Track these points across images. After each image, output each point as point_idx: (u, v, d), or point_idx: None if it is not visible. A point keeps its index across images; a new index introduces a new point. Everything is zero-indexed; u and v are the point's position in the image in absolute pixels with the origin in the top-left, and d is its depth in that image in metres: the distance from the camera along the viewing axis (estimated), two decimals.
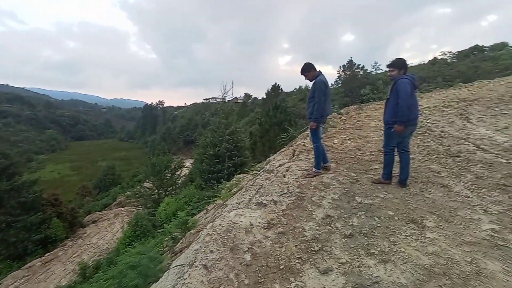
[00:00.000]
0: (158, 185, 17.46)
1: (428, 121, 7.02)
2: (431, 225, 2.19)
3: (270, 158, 6.30)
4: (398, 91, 2.81)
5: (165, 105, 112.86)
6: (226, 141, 13.93)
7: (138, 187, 18.64)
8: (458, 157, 3.84)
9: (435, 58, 41.60)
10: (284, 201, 2.77)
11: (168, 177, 17.61)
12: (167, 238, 5.46)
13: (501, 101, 8.38)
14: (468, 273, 1.71)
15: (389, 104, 3.02)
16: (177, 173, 18.18)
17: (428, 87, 19.96)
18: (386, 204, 2.57)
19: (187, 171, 22.19)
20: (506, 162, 3.60)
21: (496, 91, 10.21)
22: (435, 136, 5.11)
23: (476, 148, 4.21)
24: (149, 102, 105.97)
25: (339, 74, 29.93)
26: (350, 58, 29.22)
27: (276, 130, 15.65)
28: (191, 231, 4.57)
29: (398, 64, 2.96)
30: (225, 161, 13.72)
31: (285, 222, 2.47)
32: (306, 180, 3.30)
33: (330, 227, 2.35)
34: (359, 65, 28.83)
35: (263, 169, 4.31)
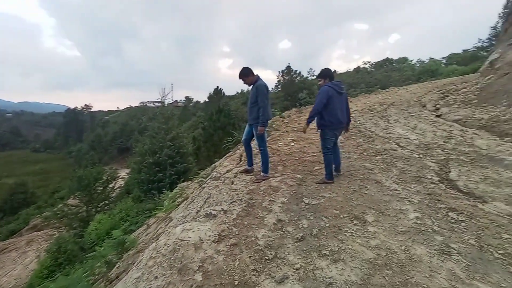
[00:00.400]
0: (86, 201, 15.22)
1: (358, 122, 7.89)
2: (371, 220, 2.39)
3: (216, 163, 6.10)
4: (316, 97, 3.29)
5: (93, 110, 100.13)
6: (167, 147, 13.07)
7: (61, 205, 15.89)
8: (385, 154, 4.37)
9: (358, 67, 47.71)
10: (234, 209, 2.66)
11: (99, 191, 15.52)
12: (99, 263, 4.71)
13: (408, 105, 10.03)
14: (404, 261, 1.89)
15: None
16: (110, 185, 16.19)
17: (355, 92, 22.66)
18: (331, 203, 2.71)
19: (122, 183, 19.98)
20: (418, 157, 4.25)
21: (404, 97, 12.20)
22: (365, 136, 5.75)
23: (397, 146, 4.88)
24: (72, 106, 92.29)
25: (278, 79, 31.47)
26: (288, 64, 31.09)
27: (221, 134, 15.45)
28: (130, 252, 4.03)
29: (323, 74, 3.41)
30: (166, 169, 12.84)
31: (237, 232, 2.35)
32: (255, 185, 3.25)
33: (282, 232, 2.34)
34: (296, 70, 30.90)
35: (209, 177, 4.10)
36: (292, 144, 5.36)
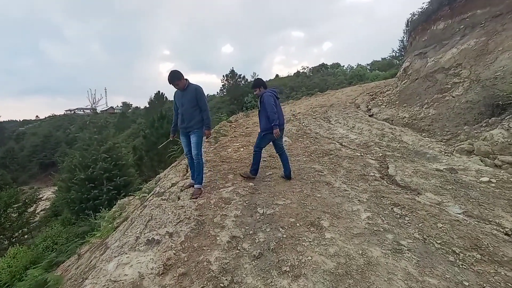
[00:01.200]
0: None
1: (303, 124, 8.21)
2: (327, 225, 2.35)
3: (160, 175, 5.54)
4: (264, 104, 3.38)
5: (1, 120, 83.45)
6: (102, 160, 11.55)
7: None
8: (331, 154, 4.55)
9: (298, 72, 50.77)
10: (182, 230, 2.31)
11: (13, 218, 12.74)
12: None
13: (345, 107, 10.95)
14: (363, 266, 1.87)
15: (261, 115, 3.52)
16: (30, 210, 13.48)
17: (297, 95, 23.92)
18: (287, 211, 2.60)
19: (48, 204, 16.90)
20: (360, 155, 4.55)
21: (341, 98, 13.32)
22: (311, 137, 5.95)
23: (340, 146, 5.15)
24: None
25: (223, 83, 31.26)
26: (232, 68, 31.16)
27: (164, 142, 14.41)
28: None
29: (258, 84, 3.59)
30: (103, 184, 11.33)
31: (185, 258, 2.03)
32: (204, 199, 2.95)
33: (237, 251, 2.11)
34: (240, 75, 31.15)
35: (152, 192, 3.62)
36: (242, 149, 5.19)
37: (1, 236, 12.90)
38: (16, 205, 13.59)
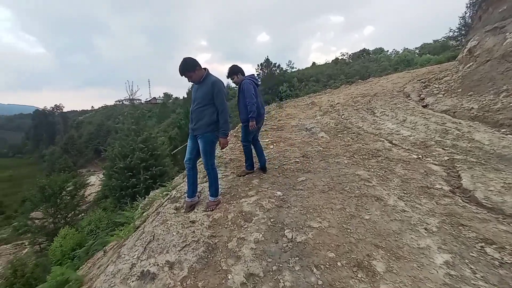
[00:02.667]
0: (53, 213, 13.73)
1: (343, 116, 7.26)
2: (382, 269, 1.67)
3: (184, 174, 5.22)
4: (243, 92, 3.11)
5: (65, 110, 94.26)
6: (139, 150, 11.94)
7: (23, 220, 14.19)
8: (379, 156, 3.71)
9: (337, 59, 47.74)
10: (186, 259, 1.84)
11: (66, 201, 14.05)
12: None
13: (392, 96, 9.55)
14: None
15: (240, 104, 3.23)
16: (80, 193, 14.73)
17: (335, 83, 22.28)
18: (323, 238, 1.97)
19: (99, 188, 18.40)
20: (417, 158, 3.63)
21: (386, 87, 11.78)
22: (353, 133, 5.09)
23: (390, 145, 4.25)
24: (41, 107, 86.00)
25: (258, 73, 30.61)
26: (267, 57, 30.29)
27: None
28: None
29: (235, 70, 3.26)
30: (140, 173, 11.76)
31: None
32: (221, 211, 2.45)
33: None
34: (275, 63, 30.14)
35: (168, 196, 3.24)
36: (271, 147, 4.59)
37: (59, 216, 14.35)
38: (69, 189, 14.99)
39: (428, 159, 3.52)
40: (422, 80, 11.16)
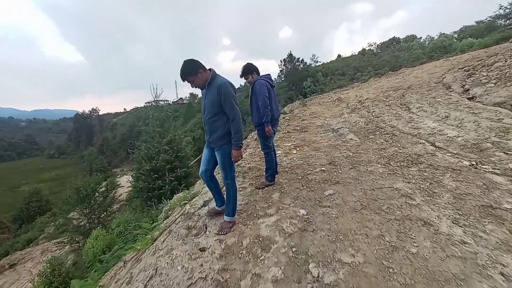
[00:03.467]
0: (88, 212, 14.57)
1: (374, 114, 6.61)
2: None
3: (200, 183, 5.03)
4: (255, 93, 2.90)
5: (101, 113, 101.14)
6: (164, 152, 12.15)
7: (62, 220, 15.22)
8: (421, 163, 3.16)
9: (364, 49, 45.27)
10: None
11: (99, 202, 14.82)
12: None
13: (430, 88, 8.58)
14: None
15: (252, 107, 3.01)
16: (111, 194, 15.47)
17: (362, 76, 20.99)
18: (358, 280, 1.56)
19: (130, 187, 19.24)
20: (470, 165, 3.03)
21: (421, 78, 10.69)
22: (387, 134, 4.51)
23: (433, 148, 3.64)
24: (81, 111, 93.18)
25: (281, 68, 29.98)
26: (290, 52, 29.47)
27: None
28: None
29: (251, 69, 3.02)
30: (165, 175, 11.97)
31: None
32: (235, 236, 2.15)
33: None
34: (298, 58, 29.24)
35: (182, 212, 3.02)
36: (295, 152, 4.20)
37: (93, 216, 15.21)
38: (101, 190, 15.79)
39: (486, 166, 2.91)
40: (465, 68, 9.96)
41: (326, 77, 28.30)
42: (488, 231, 1.88)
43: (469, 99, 6.88)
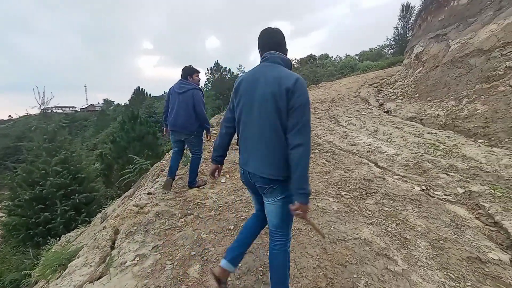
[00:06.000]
0: None
1: None
2: None
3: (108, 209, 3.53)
4: None
5: None
6: (55, 174, 9.25)
7: None
8: (374, 192, 2.64)
9: None
10: None
11: None
12: None
13: (351, 102, 9.07)
14: None
15: None
16: None
17: None
18: None
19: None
20: (422, 191, 2.67)
21: (341, 91, 11.44)
22: (327, 152, 4.02)
23: (379, 169, 3.26)
24: None
25: (207, 77, 28.90)
26: (216, 61, 28.79)
27: (137, 147, 12.16)
28: None
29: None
30: (56, 204, 9.07)
31: None
32: None
33: None
34: (225, 67, 28.82)
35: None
36: (223, 181, 3.20)
37: None
38: None
39: (438, 193, 2.57)
40: (373, 85, 11.10)
41: None
42: None
43: (385, 112, 7.39)
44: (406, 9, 25.42)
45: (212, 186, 3.06)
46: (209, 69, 28.95)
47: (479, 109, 5.13)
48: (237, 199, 2.63)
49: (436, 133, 4.70)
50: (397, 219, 2.14)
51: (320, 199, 2.53)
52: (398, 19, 26.74)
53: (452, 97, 6.16)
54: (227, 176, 3.31)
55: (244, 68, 31.43)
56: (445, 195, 2.52)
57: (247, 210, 2.38)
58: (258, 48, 1.39)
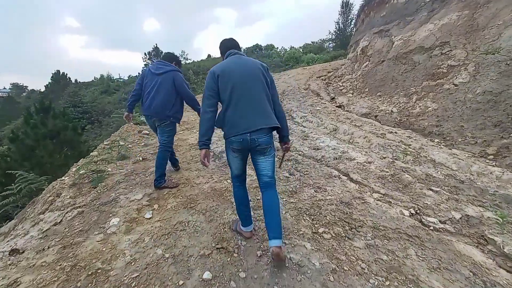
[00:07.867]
0: None
1: None
2: None
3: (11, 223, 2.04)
4: None
5: None
6: None
7: None
8: (361, 226, 1.97)
9: None
10: None
11: None
12: None
13: (303, 95, 8.59)
14: None
15: None
16: None
17: None
18: None
19: None
20: (411, 216, 2.13)
21: (290, 83, 10.95)
22: (289, 160, 3.26)
23: (354, 185, 2.64)
24: None
25: (145, 62, 25.77)
26: (156, 45, 25.85)
27: (50, 146, 9.64)
28: None
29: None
30: None
31: None
32: None
33: None
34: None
35: None
36: (148, 216, 2.15)
37: None
38: None
39: (432, 219, 2.04)
40: (321, 77, 10.94)
41: (198, 76, 26.85)
42: None
43: (338, 107, 7.11)
44: (346, 5, 26.66)
45: (130, 227, 1.98)
46: (147, 53, 25.84)
47: (429, 107, 5.05)
48: (167, 254, 1.64)
49: (396, 132, 4.43)
50: (404, 278, 1.48)
51: (292, 244, 1.73)
52: (339, 14, 28.00)
53: (401, 93, 6.11)
54: (155, 207, 2.26)
55: (188, 54, 29.06)
56: (440, 222, 2.01)
57: (181, 283, 1.42)
58: (223, 50, 1.90)
